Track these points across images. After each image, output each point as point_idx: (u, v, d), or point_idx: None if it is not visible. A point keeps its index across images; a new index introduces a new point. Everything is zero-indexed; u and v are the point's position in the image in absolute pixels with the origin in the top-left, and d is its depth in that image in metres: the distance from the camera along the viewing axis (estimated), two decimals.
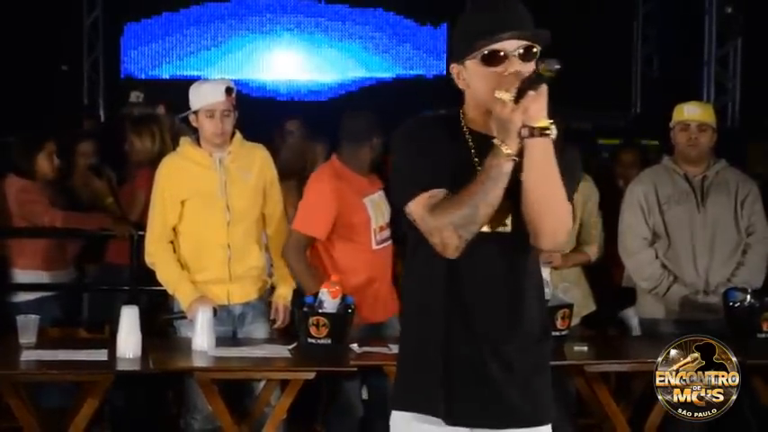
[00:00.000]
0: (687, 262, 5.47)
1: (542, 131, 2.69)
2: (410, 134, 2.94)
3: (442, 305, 2.89)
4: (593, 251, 5.73)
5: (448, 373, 2.90)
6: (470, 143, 2.89)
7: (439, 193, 2.80)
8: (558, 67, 2.62)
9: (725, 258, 5.47)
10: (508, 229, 2.87)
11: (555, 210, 2.78)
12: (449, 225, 2.75)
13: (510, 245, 2.89)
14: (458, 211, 2.74)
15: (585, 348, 5.14)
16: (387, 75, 13.84)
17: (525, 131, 2.69)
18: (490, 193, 2.73)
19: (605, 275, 6.13)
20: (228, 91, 5.07)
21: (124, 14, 13.09)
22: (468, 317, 2.88)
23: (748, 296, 5.22)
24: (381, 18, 13.81)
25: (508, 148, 2.70)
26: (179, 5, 13.38)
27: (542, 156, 2.71)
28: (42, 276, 6.31)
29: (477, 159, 2.84)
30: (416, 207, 2.83)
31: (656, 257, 5.50)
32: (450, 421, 2.90)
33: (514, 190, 2.78)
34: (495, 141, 2.72)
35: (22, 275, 6.32)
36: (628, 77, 12.73)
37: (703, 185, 5.52)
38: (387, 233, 5.31)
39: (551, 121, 2.70)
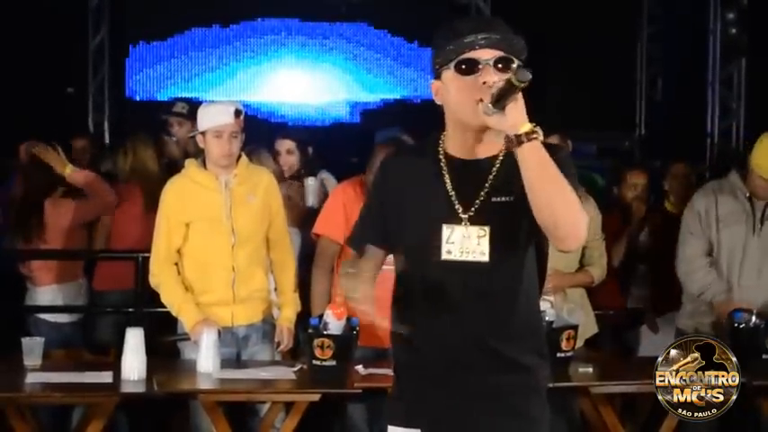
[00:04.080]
0: (731, 283, 5.43)
1: (529, 136, 2.64)
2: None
3: None
4: (596, 273, 5.69)
5: None
6: (444, 170, 2.88)
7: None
8: (529, 77, 2.57)
9: None
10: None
11: (569, 204, 2.68)
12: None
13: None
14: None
15: (591, 369, 5.11)
16: (392, 96, 13.84)
17: (513, 141, 2.66)
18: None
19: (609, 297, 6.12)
20: (237, 113, 5.10)
21: (129, 37, 13.11)
22: None
23: (753, 317, 5.17)
24: (386, 40, 13.82)
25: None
26: (184, 28, 13.40)
27: (537, 157, 2.65)
28: (55, 289, 6.32)
29: (450, 187, 2.85)
30: None
31: (711, 267, 5.46)
32: None
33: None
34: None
35: (37, 292, 6.34)
36: (632, 99, 12.72)
37: (765, 210, 5.45)
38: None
39: (534, 123, 2.66)
